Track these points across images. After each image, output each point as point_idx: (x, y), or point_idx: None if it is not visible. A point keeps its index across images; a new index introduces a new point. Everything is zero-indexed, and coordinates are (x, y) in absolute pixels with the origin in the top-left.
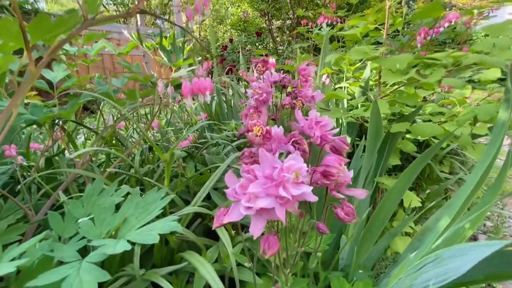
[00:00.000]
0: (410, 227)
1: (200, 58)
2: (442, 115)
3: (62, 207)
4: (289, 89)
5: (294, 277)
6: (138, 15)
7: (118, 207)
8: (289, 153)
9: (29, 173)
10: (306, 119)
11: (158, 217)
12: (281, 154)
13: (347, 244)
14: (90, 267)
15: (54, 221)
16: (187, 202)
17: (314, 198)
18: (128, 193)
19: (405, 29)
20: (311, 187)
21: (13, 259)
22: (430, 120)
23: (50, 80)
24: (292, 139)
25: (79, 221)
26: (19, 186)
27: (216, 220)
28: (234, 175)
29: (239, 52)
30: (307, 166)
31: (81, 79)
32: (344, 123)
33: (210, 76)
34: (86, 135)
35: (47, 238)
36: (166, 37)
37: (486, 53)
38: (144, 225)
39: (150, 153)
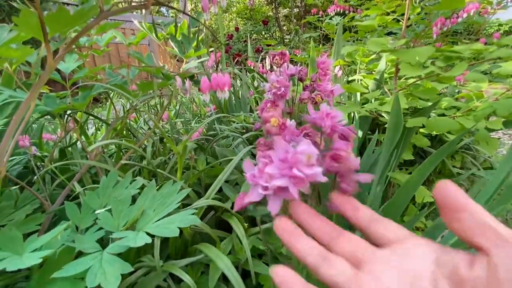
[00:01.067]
0: (421, 222)
1: (211, 48)
2: (457, 109)
3: (76, 198)
4: (306, 82)
5: None
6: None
7: (134, 199)
8: None
9: (42, 164)
10: (317, 113)
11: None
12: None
13: None
14: (112, 258)
15: (71, 211)
16: (198, 194)
17: (324, 179)
18: (143, 185)
19: (422, 19)
20: (322, 168)
21: (34, 250)
22: (444, 115)
23: (61, 70)
24: (304, 132)
25: (96, 212)
26: (35, 178)
27: (236, 203)
28: (251, 162)
29: (245, 41)
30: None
31: (93, 70)
32: (357, 117)
33: (217, 67)
34: (96, 126)
35: (66, 229)
36: (176, 27)
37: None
38: (162, 218)
39: (161, 145)
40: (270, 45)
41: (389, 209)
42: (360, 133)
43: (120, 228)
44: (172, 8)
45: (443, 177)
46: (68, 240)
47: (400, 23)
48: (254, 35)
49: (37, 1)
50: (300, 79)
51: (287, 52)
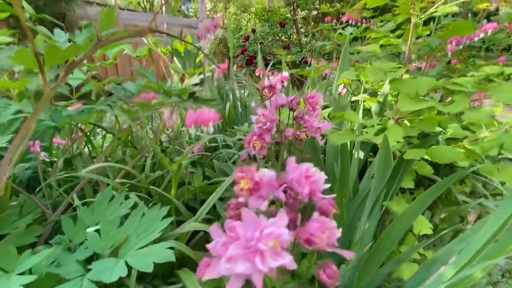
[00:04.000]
0: (419, 253)
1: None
2: (464, 138)
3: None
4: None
5: None
6: (162, 2)
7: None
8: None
9: (51, 168)
10: (297, 168)
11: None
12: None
13: (348, 270)
14: (90, 286)
15: (66, 226)
16: (193, 209)
17: (293, 266)
18: (135, 203)
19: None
20: (291, 257)
21: (22, 273)
22: (452, 139)
23: (69, 83)
24: (284, 185)
25: (87, 230)
26: (39, 187)
27: (199, 271)
28: (219, 229)
29: (261, 43)
30: (297, 216)
31: (99, 84)
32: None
33: (226, 77)
34: (104, 134)
35: (60, 243)
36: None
37: None
38: (144, 246)
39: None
40: (281, 55)
41: (384, 241)
42: (361, 155)
43: (107, 249)
44: (172, 36)
45: (448, 204)
46: (53, 266)
47: (404, 48)
48: (270, 36)
49: (31, 38)
50: (291, 109)
51: (284, 73)
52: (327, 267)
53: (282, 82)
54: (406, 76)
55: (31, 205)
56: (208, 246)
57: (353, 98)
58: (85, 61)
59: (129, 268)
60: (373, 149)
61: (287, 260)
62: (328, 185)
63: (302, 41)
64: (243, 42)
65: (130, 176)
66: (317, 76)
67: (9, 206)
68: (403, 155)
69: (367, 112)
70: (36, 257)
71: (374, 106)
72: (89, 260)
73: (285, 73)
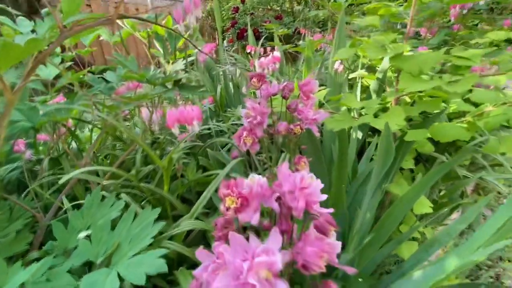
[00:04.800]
0: (419, 231)
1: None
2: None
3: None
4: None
5: None
6: None
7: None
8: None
9: (37, 167)
10: (290, 176)
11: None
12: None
13: (349, 253)
14: None
15: (58, 231)
16: (190, 202)
17: None
18: (126, 203)
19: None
20: (285, 285)
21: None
22: (451, 119)
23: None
24: (276, 195)
25: (78, 236)
26: (28, 189)
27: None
28: (206, 252)
29: (252, 13)
30: (293, 227)
31: (77, 75)
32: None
33: (216, 55)
34: (91, 126)
35: (49, 252)
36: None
37: None
38: (136, 254)
39: (153, 146)
40: (272, 29)
41: (383, 223)
42: (359, 135)
43: (100, 256)
44: (142, 20)
45: (447, 180)
46: (56, 263)
47: (406, 20)
48: (261, 6)
49: None
50: (284, 97)
51: (276, 52)
52: (325, 285)
53: (274, 63)
54: (408, 51)
55: (21, 209)
56: (194, 272)
57: (350, 75)
58: (57, 50)
59: (122, 278)
60: (372, 128)
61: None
62: (325, 197)
63: (294, 10)
64: (233, 13)
65: (122, 169)
66: (312, 51)
67: None
68: (403, 136)
69: (365, 89)
70: (27, 272)
71: (372, 84)
72: (86, 263)
73: (277, 53)
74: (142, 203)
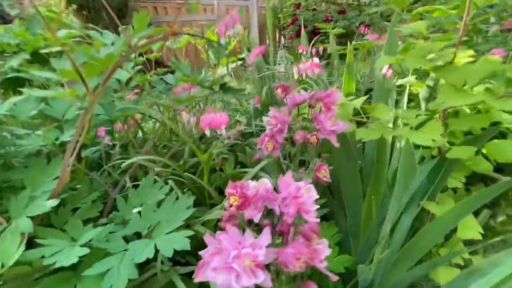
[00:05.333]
0: (463, 257)
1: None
2: None
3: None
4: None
5: None
6: None
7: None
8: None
9: (112, 151)
10: (289, 186)
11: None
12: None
13: (373, 268)
14: (129, 264)
15: (120, 205)
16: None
17: (268, 285)
18: (171, 188)
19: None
20: (265, 277)
21: (84, 244)
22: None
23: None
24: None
25: (133, 211)
26: (102, 169)
27: (196, 271)
28: (212, 237)
29: (314, 9)
30: (289, 230)
31: (145, 77)
32: None
33: (265, 58)
34: (154, 120)
35: (112, 221)
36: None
37: None
38: (170, 232)
39: (202, 141)
40: (326, 33)
41: (417, 242)
42: None
43: (145, 229)
44: (191, 35)
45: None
46: (115, 230)
47: (458, 25)
48: (324, 1)
49: (70, 58)
50: (310, 106)
51: (290, 84)
52: (307, 285)
53: (313, 69)
54: (460, 59)
55: (98, 183)
56: (200, 252)
57: (398, 82)
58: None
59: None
60: None
61: (261, 280)
62: (317, 207)
63: (361, 2)
64: (294, 10)
65: (175, 160)
66: (367, 50)
67: (83, 183)
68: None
69: (416, 96)
70: (95, 231)
71: (422, 92)
72: (136, 233)
73: (316, 59)
74: (185, 190)
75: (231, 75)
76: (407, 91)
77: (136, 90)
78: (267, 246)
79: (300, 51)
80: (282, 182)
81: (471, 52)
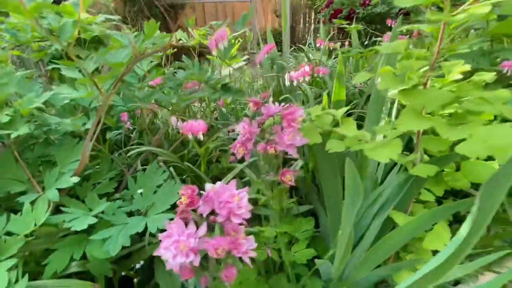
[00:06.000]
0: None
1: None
2: None
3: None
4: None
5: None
6: None
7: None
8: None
9: (131, 135)
10: (225, 191)
11: None
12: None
13: (335, 263)
14: (125, 234)
15: (130, 184)
16: None
17: (196, 264)
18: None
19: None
20: (194, 257)
21: (96, 215)
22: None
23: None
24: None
25: (138, 191)
26: (120, 151)
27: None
28: (181, 221)
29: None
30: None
31: (161, 71)
32: None
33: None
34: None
35: (123, 197)
36: None
37: None
38: (160, 213)
39: (209, 132)
40: (342, 24)
41: (379, 247)
42: None
43: (144, 208)
44: (188, 46)
45: (502, 222)
46: (123, 205)
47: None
48: None
49: (85, 70)
50: (282, 117)
51: (268, 95)
52: (228, 269)
53: (304, 76)
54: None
55: (116, 163)
56: (159, 235)
57: (389, 94)
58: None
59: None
60: (408, 147)
61: (191, 259)
62: (247, 211)
63: None
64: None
65: (183, 147)
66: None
67: (105, 162)
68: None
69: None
70: (106, 205)
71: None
72: (137, 211)
73: (307, 67)
74: (184, 177)
75: (240, 72)
76: (395, 104)
77: (156, 81)
78: (204, 236)
79: (318, 44)
80: (222, 188)
81: (467, 67)
